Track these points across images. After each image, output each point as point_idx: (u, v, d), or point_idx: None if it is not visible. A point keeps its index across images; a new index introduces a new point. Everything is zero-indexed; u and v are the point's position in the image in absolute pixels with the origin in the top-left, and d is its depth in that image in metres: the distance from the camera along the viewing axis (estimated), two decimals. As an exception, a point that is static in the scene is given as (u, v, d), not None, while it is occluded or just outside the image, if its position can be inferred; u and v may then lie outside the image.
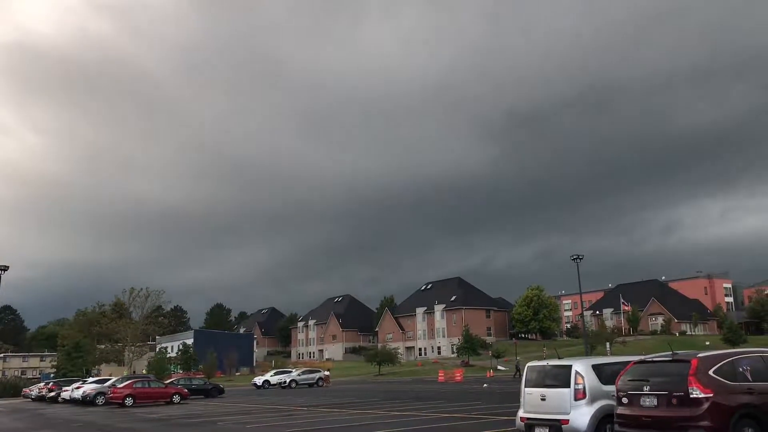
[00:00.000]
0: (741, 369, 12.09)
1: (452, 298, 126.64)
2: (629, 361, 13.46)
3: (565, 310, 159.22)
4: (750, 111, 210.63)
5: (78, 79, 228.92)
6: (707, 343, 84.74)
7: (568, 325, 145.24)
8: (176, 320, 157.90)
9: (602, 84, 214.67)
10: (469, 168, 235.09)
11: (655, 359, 12.93)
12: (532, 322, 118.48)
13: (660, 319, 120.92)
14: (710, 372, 11.72)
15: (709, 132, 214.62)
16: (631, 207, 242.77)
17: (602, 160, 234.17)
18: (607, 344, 76.43)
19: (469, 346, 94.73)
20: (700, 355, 12.20)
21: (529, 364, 15.37)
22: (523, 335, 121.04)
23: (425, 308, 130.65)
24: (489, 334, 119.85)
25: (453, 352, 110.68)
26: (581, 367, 13.92)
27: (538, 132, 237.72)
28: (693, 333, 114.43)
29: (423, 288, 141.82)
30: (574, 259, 68.30)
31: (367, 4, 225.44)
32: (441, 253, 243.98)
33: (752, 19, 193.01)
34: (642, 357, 13.61)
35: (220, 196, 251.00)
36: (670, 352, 12.72)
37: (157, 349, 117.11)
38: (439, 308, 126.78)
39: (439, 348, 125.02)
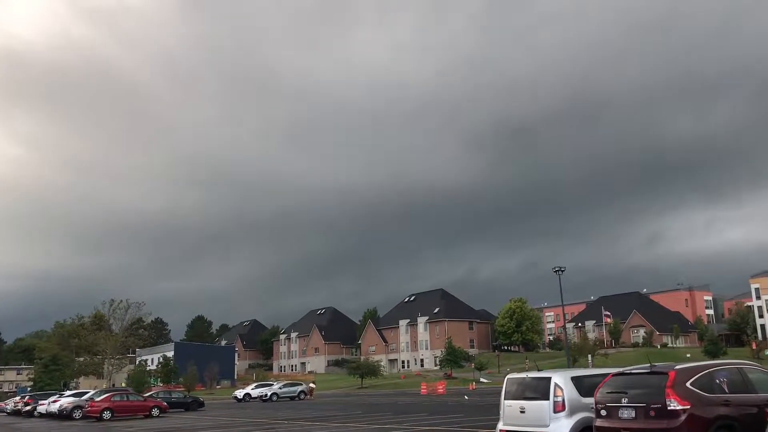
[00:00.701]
0: (718, 381, 12.15)
1: (435, 310, 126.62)
2: (608, 374, 13.47)
3: (548, 322, 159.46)
4: (736, 124, 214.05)
5: (62, 86, 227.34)
6: (688, 355, 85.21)
7: (551, 337, 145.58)
8: (157, 332, 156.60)
9: (590, 96, 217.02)
10: (457, 178, 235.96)
11: (633, 371, 12.94)
12: (515, 334, 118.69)
13: (642, 332, 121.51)
14: (687, 384, 11.75)
15: (695, 145, 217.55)
16: (616, 219, 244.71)
17: (588, 172, 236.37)
18: (589, 356, 76.63)
19: (452, 358, 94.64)
20: (677, 367, 12.23)
21: (509, 376, 15.34)
22: (505, 347, 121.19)
23: (408, 320, 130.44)
24: (472, 347, 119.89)
25: (436, 365, 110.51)
26: (560, 380, 13.91)
27: (526, 143, 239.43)
28: (674, 345, 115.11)
29: (406, 300, 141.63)
30: (556, 272, 68.49)
31: (358, 13, 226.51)
32: (426, 264, 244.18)
33: (738, 33, 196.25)
34: (620, 369, 13.63)
35: (205, 205, 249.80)
36: (649, 365, 12.75)
37: (137, 362, 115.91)
38: (422, 320, 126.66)
39: (422, 360, 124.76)
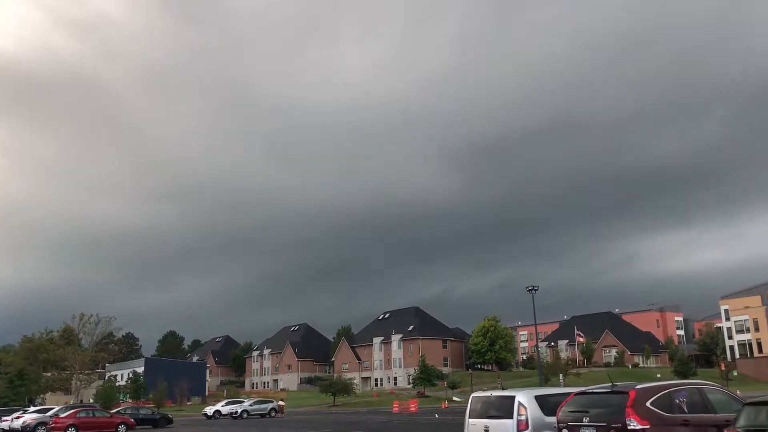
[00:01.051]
0: (677, 401, 12.27)
1: (409, 328, 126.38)
2: (571, 392, 13.54)
3: (522, 341, 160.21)
4: (710, 147, 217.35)
5: (39, 95, 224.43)
6: (658, 375, 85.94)
7: (524, 356, 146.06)
8: (127, 348, 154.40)
9: (566, 116, 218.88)
10: (435, 196, 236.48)
11: (595, 390, 13.05)
12: (489, 353, 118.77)
13: (613, 351, 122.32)
14: (647, 404, 11.87)
15: (670, 167, 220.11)
16: (591, 239, 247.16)
17: (566, 191, 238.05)
18: (560, 376, 76.95)
19: (425, 376, 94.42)
20: (638, 386, 12.35)
21: (473, 394, 15.37)
22: (479, 366, 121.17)
23: (382, 338, 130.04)
24: (446, 365, 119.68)
25: (409, 383, 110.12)
26: (524, 398, 13.97)
27: (503, 162, 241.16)
28: (645, 365, 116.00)
29: (380, 317, 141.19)
30: (529, 290, 69.09)
31: (339, 29, 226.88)
32: (402, 281, 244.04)
33: (711, 58, 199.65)
34: (582, 388, 13.72)
35: (180, 218, 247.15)
36: (610, 384, 12.85)
37: (106, 377, 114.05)
38: (396, 338, 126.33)
39: (395, 378, 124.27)
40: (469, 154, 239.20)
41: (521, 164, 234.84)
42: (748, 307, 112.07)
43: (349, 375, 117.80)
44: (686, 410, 12.20)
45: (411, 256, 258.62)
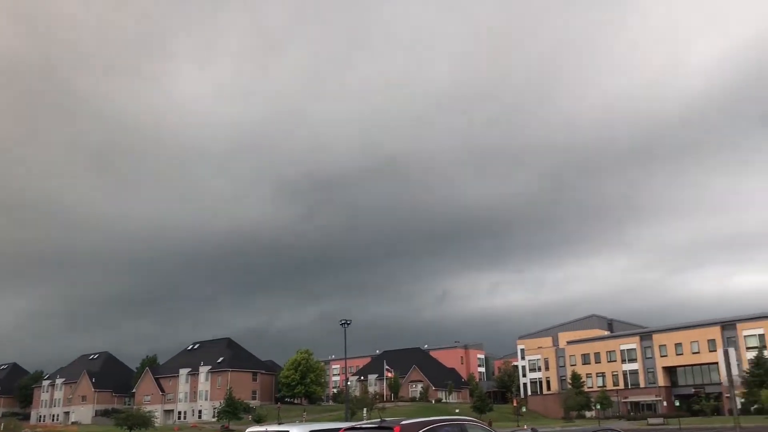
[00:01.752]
0: (440, 436, 12.68)
1: (219, 360, 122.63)
2: (341, 428, 13.57)
3: (334, 374, 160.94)
4: (522, 199, 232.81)
5: None
6: (457, 410, 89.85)
7: (336, 390, 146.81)
8: None
9: (399, 159, 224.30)
10: (267, 227, 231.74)
11: (363, 426, 13.19)
12: (299, 386, 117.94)
13: (419, 386, 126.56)
14: (411, 439, 12.13)
15: (487, 213, 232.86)
16: (411, 276, 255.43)
17: (391, 230, 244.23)
18: (365, 410, 78.14)
19: (231, 410, 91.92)
20: (403, 422, 12.64)
21: (249, 429, 14.98)
22: (289, 399, 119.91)
23: (190, 369, 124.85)
24: (254, 398, 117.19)
25: (215, 416, 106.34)
26: (298, 433, 13.82)
27: (336, 198, 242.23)
28: (447, 401, 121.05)
29: (190, 348, 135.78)
30: (342, 324, 70.02)
31: (182, 49, 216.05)
32: (223, 312, 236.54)
33: (529, 119, 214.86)
34: (353, 423, 13.81)
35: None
36: (379, 419, 13.05)
37: None
38: (204, 369, 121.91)
39: (200, 411, 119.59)
40: (305, 187, 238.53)
41: (353, 201, 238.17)
42: (540, 347, 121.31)
43: (150, 407, 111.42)
44: (448, 445, 12.62)
45: (235, 287, 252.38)
